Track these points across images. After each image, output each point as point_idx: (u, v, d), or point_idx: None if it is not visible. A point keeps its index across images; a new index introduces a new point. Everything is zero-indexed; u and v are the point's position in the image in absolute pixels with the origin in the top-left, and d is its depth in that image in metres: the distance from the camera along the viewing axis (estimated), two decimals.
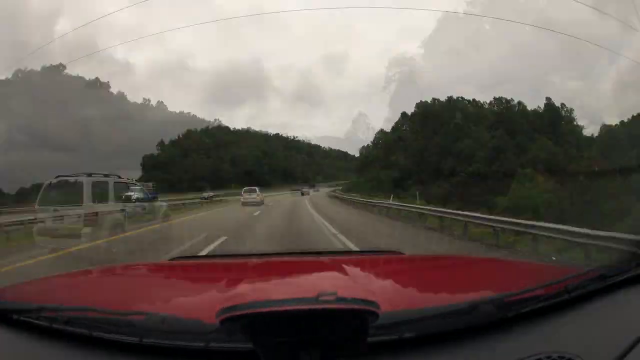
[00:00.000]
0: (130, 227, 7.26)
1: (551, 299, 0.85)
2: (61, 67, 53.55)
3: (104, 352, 0.76)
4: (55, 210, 6.59)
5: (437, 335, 0.75)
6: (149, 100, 67.97)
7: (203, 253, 5.44)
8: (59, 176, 6.91)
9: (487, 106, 36.58)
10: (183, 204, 18.71)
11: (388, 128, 41.57)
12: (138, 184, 9.13)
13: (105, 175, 7.28)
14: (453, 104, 36.87)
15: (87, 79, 59.41)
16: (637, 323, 0.82)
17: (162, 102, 70.08)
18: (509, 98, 36.27)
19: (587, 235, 4.67)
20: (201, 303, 1.05)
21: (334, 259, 1.48)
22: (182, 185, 42.99)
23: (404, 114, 39.23)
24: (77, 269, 2.20)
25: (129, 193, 7.41)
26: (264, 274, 1.41)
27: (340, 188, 36.03)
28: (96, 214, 6.44)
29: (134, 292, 1.17)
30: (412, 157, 33.87)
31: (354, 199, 20.24)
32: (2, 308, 0.90)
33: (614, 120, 35.09)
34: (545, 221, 6.07)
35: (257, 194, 19.73)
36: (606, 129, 30.98)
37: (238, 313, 0.59)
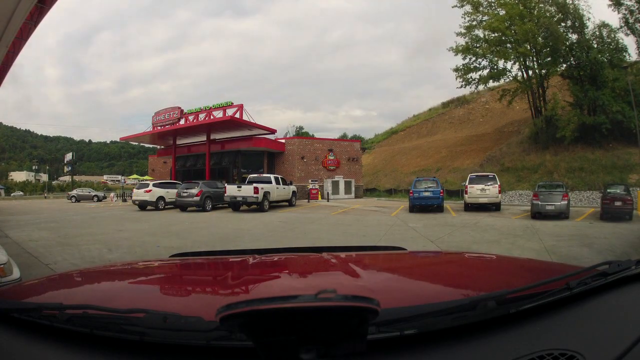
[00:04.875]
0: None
1: (553, 296, 0.85)
2: None
3: (105, 350, 0.76)
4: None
5: (438, 332, 0.75)
6: None
7: None
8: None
9: None
10: None
11: None
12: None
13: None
14: None
15: None
16: (639, 321, 0.82)
17: None
18: None
19: None
20: (202, 300, 1.05)
21: (334, 255, 1.48)
22: None
23: None
24: None
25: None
26: (264, 270, 1.41)
27: None
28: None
29: (134, 290, 1.17)
30: None
31: None
32: (2, 307, 0.90)
33: None
34: None
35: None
36: None
37: (237, 311, 0.59)
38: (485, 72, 27.47)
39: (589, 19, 24.82)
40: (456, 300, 0.83)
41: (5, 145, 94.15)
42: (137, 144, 53.91)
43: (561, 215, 12.47)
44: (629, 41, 24.64)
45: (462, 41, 27.48)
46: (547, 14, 25.20)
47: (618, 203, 11.97)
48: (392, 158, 39.94)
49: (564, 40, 24.47)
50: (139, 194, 19.01)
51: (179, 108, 26.98)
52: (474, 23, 27.10)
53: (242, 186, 17.08)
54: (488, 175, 16.52)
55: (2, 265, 2.93)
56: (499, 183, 15.88)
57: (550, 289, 0.86)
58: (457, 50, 27.32)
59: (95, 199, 32.24)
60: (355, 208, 18.30)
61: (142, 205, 18.78)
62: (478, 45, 27.13)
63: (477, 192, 15.55)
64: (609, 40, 24.58)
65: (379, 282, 1.14)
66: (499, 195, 15.68)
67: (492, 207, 15.55)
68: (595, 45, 24.46)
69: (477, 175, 16.73)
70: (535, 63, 26.49)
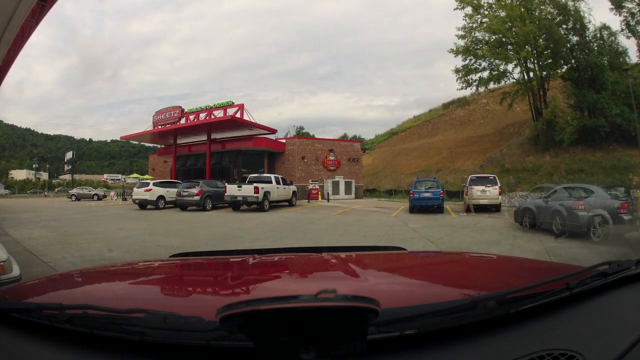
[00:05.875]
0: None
1: (553, 296, 0.85)
2: None
3: (105, 350, 0.77)
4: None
5: (438, 332, 0.75)
6: None
7: None
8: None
9: None
10: None
11: None
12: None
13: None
14: None
15: None
16: (639, 321, 0.82)
17: None
18: None
19: None
20: (202, 301, 1.05)
21: (335, 255, 1.48)
22: None
23: None
24: None
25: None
26: (265, 270, 1.41)
27: None
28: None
29: (134, 291, 1.17)
30: None
31: None
32: (2, 308, 0.90)
33: None
34: None
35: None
36: None
37: (237, 311, 0.59)
38: (486, 73, 27.52)
39: (589, 21, 24.87)
40: (456, 300, 0.83)
41: (6, 143, 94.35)
42: (137, 143, 54.01)
43: None
44: (630, 44, 24.69)
45: (462, 43, 27.54)
46: (548, 16, 25.22)
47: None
48: (392, 159, 39.95)
49: (565, 42, 24.49)
50: (139, 193, 18.99)
51: (180, 107, 27.03)
52: (475, 25, 27.14)
53: (243, 186, 17.13)
54: (488, 177, 16.49)
55: (2, 263, 2.93)
56: (499, 185, 15.91)
57: (550, 289, 0.86)
58: (457, 52, 27.34)
59: (96, 197, 32.23)
60: (355, 208, 18.30)
61: (142, 204, 18.76)
62: (478, 47, 27.15)
63: (477, 193, 15.53)
64: (610, 42, 24.61)
65: (379, 282, 1.14)
66: (500, 196, 15.70)
67: (492, 209, 15.55)
68: (596, 48, 24.48)
69: (477, 177, 16.73)
70: (536, 65, 26.50)
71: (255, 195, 16.36)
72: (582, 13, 24.78)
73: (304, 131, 50.93)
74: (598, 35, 24.81)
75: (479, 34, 27.05)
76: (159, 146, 32.93)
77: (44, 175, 74.32)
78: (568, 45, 24.79)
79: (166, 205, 18.79)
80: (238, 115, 24.03)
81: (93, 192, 33.54)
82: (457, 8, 27.25)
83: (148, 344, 0.74)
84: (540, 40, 25.07)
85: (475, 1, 26.73)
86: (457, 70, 27.77)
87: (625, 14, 24.05)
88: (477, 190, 15.57)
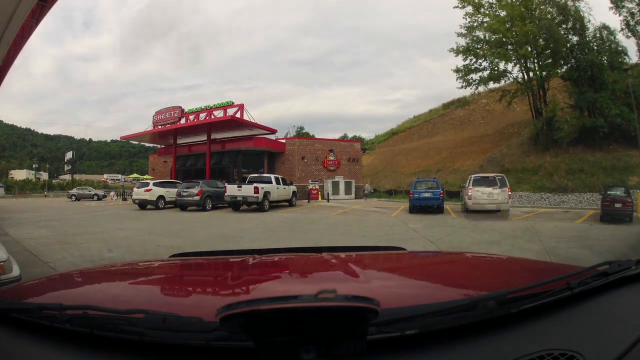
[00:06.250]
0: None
1: (553, 296, 0.85)
2: None
3: (105, 350, 0.77)
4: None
5: (439, 332, 0.75)
6: None
7: None
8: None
9: None
10: None
11: None
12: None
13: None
14: None
15: None
16: (639, 321, 0.81)
17: None
18: None
19: None
20: (201, 301, 1.05)
21: (335, 255, 1.48)
22: None
23: None
24: None
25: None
26: (265, 270, 1.41)
27: None
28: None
29: (134, 291, 1.17)
30: None
31: None
32: (2, 308, 0.90)
33: None
34: None
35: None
36: None
37: (237, 311, 0.59)
38: (486, 73, 27.48)
39: (589, 21, 24.85)
40: (456, 300, 0.83)
41: (6, 143, 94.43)
42: (137, 143, 54.01)
43: None
44: (629, 44, 24.68)
45: (462, 42, 27.51)
46: (548, 16, 25.20)
47: (618, 205, 11.96)
48: (392, 159, 39.96)
49: (565, 42, 24.47)
50: (139, 193, 18.98)
51: (180, 107, 27.04)
52: (475, 24, 27.11)
53: (243, 186, 17.15)
54: (496, 177, 14.05)
55: (2, 263, 2.93)
56: (508, 186, 13.52)
57: (550, 289, 0.86)
58: (457, 51, 27.31)
59: (95, 197, 32.21)
60: (355, 208, 18.29)
61: (142, 204, 18.76)
62: (479, 46, 27.13)
63: (482, 196, 13.34)
64: (609, 42, 24.59)
65: (379, 282, 1.13)
66: (510, 200, 13.25)
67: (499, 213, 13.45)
68: (596, 48, 24.46)
69: (481, 177, 14.50)
70: (535, 64, 26.47)
71: (255, 195, 16.37)
72: (582, 13, 24.79)
73: (304, 131, 50.99)
74: (598, 35, 24.80)
75: (479, 33, 27.04)
76: (159, 146, 32.92)
77: (44, 175, 74.32)
78: (568, 44, 24.76)
79: (166, 205, 18.79)
80: (238, 115, 24.05)
81: (93, 192, 33.51)
82: (456, 7, 27.22)
83: (148, 344, 0.74)
84: (540, 40, 25.05)
85: (476, 0, 26.71)
86: (457, 70, 27.77)
87: (625, 14, 24.07)
88: (481, 193, 13.34)
